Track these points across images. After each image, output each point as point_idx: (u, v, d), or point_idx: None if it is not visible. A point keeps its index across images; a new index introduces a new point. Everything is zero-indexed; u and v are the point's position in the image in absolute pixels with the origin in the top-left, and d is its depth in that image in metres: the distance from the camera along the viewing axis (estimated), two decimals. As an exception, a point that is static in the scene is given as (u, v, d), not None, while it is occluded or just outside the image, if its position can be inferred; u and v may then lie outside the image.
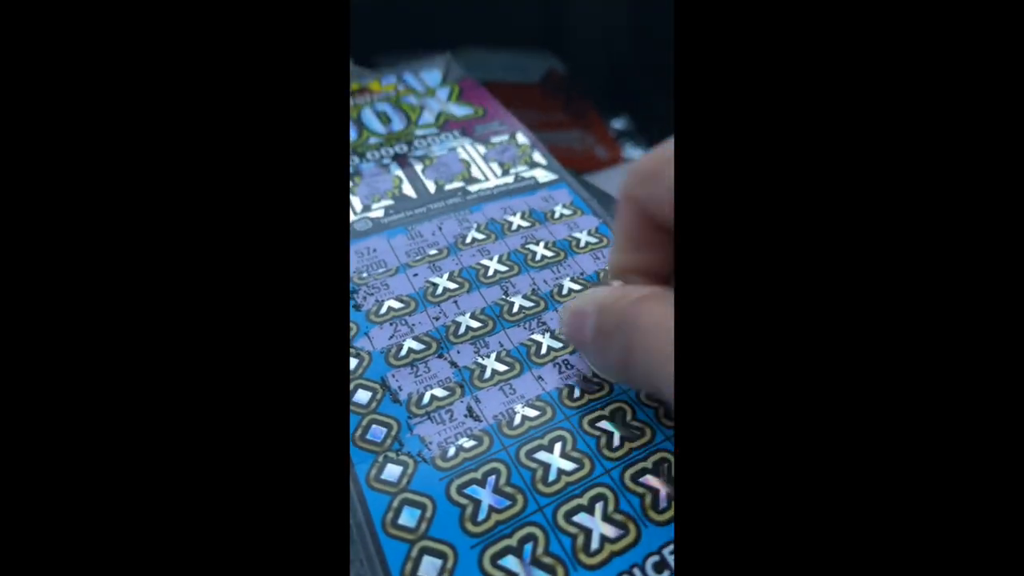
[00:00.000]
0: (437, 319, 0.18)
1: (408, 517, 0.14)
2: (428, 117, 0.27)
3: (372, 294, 0.19)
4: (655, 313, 0.13)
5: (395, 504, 0.14)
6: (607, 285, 0.16)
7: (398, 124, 0.26)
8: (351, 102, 0.27)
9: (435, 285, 0.19)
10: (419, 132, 0.26)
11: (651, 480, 0.15)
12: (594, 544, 0.14)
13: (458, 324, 0.18)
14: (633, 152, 0.38)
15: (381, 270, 0.20)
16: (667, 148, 0.14)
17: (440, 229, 0.21)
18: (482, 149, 0.25)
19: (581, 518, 0.14)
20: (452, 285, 0.19)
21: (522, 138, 0.26)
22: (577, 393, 0.16)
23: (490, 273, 0.20)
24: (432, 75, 0.29)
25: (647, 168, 0.14)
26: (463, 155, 0.25)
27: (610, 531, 0.14)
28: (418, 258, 0.20)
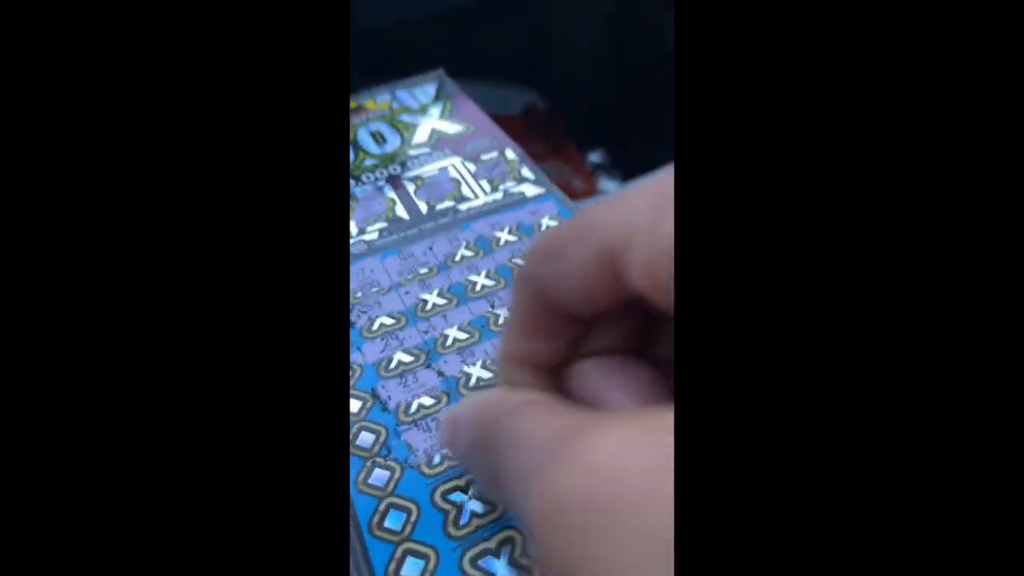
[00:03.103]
0: (426, 333, 0.20)
1: (393, 520, 0.15)
2: (421, 136, 0.28)
3: (365, 312, 0.20)
4: (524, 424, 0.11)
5: (381, 507, 0.15)
6: (490, 389, 0.14)
7: (392, 143, 0.28)
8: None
9: (425, 301, 0.21)
10: (412, 152, 0.27)
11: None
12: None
13: (446, 336, 0.20)
14: (608, 185, 0.39)
15: (374, 289, 0.21)
16: (569, 224, 0.13)
17: (431, 249, 0.22)
18: (472, 167, 0.26)
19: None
20: (441, 301, 0.21)
21: (511, 154, 0.27)
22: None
23: (478, 288, 0.21)
24: (426, 91, 0.31)
25: (545, 247, 0.13)
26: (454, 174, 0.26)
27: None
28: (409, 277, 0.21)
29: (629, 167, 0.39)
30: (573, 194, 0.36)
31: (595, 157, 0.41)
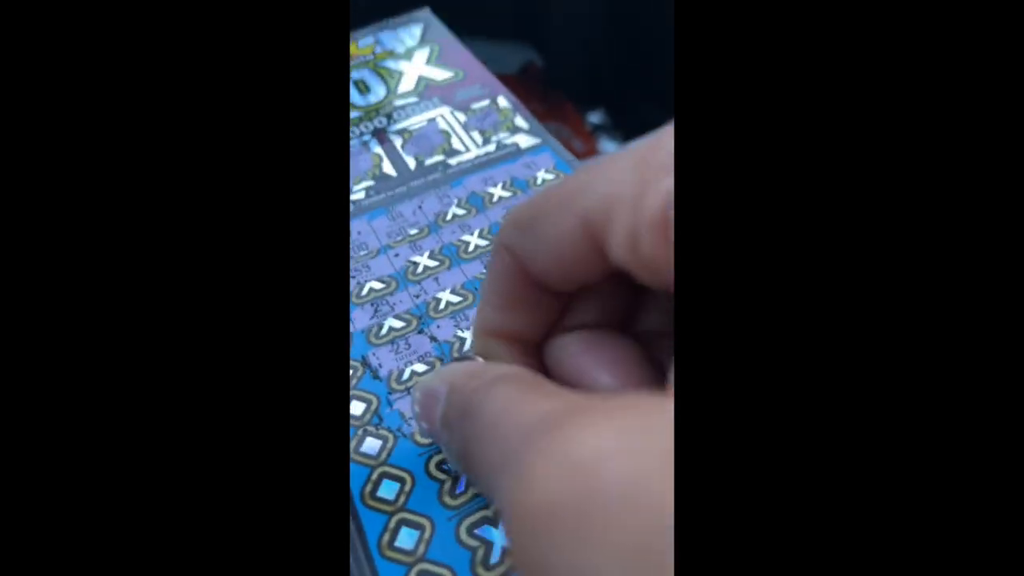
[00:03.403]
0: (418, 297, 0.19)
1: (387, 490, 0.15)
2: (407, 84, 0.26)
3: (353, 276, 0.20)
4: (496, 400, 0.10)
5: (374, 477, 0.15)
6: (466, 360, 0.14)
7: (377, 93, 0.26)
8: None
9: (416, 264, 0.20)
10: (398, 102, 0.25)
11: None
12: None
13: (438, 300, 0.19)
14: (609, 146, 0.37)
15: (363, 252, 0.20)
16: (547, 191, 0.12)
17: (420, 208, 0.21)
18: (462, 117, 0.25)
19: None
20: (433, 263, 0.20)
21: (504, 101, 0.25)
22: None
23: (471, 248, 0.20)
24: (411, 33, 0.29)
25: (522, 216, 0.12)
26: (443, 125, 0.24)
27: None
28: (399, 239, 0.20)
29: (630, 128, 0.38)
30: (573, 155, 0.35)
31: (595, 118, 0.39)
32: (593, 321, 0.13)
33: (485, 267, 0.20)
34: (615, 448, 0.08)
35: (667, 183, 0.09)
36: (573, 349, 0.13)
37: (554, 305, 0.13)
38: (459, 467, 0.14)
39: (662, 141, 0.10)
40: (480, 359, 0.14)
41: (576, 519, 0.08)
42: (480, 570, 0.14)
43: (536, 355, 0.14)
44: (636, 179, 0.10)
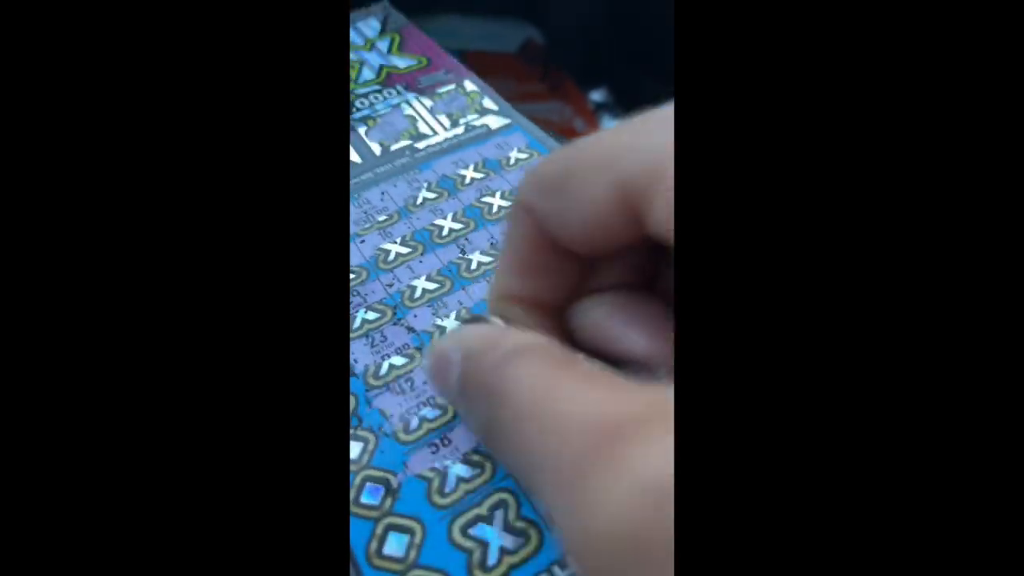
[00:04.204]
0: (391, 286, 0.18)
1: (371, 494, 0.13)
2: (368, 73, 0.25)
3: (320, 268, 0.18)
4: (525, 379, 0.10)
5: (357, 482, 0.14)
6: (481, 322, 0.13)
7: (337, 84, 0.25)
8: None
9: (387, 251, 0.18)
10: (360, 91, 0.24)
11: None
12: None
13: (413, 288, 0.18)
14: (611, 125, 0.36)
15: (328, 242, 0.19)
16: (577, 151, 0.11)
17: (388, 193, 0.20)
18: (428, 102, 0.23)
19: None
20: (405, 250, 0.18)
21: (470, 85, 0.24)
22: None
23: (445, 232, 0.19)
24: (370, 25, 0.28)
25: (548, 176, 0.11)
26: (408, 111, 0.23)
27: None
28: (367, 226, 0.19)
29: (634, 106, 0.36)
30: (574, 136, 0.34)
31: (597, 96, 0.38)
32: (618, 281, 0.12)
33: (461, 251, 0.18)
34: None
35: None
36: (600, 313, 0.12)
37: (577, 268, 0.12)
38: (484, 443, 0.13)
39: None
40: (497, 320, 0.12)
41: (660, 548, 0.07)
42: (478, 573, 0.12)
43: (558, 317, 0.13)
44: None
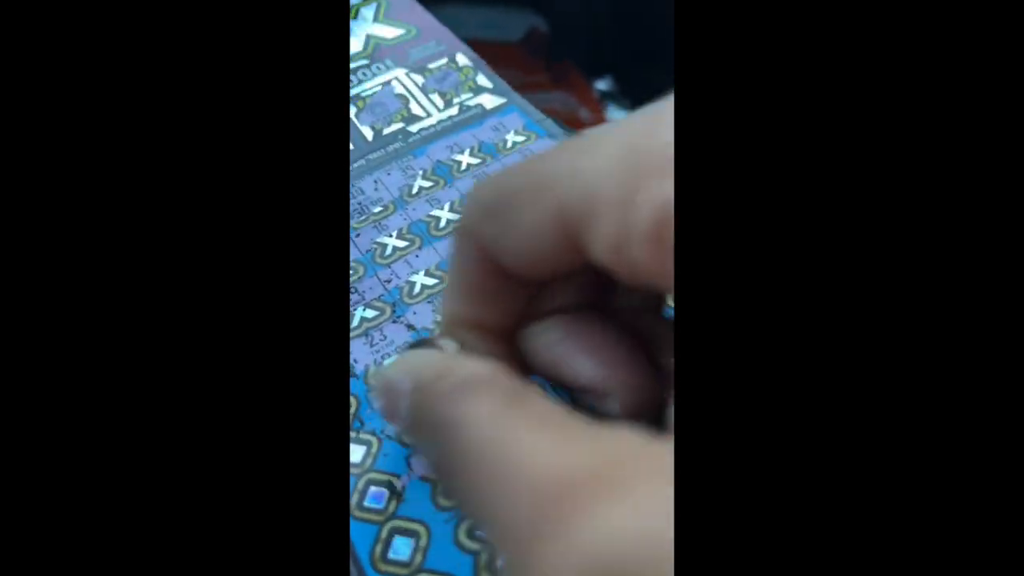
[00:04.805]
0: (389, 282, 0.17)
1: (374, 498, 0.14)
2: (355, 45, 0.24)
3: (315, 264, 0.18)
4: (474, 418, 0.09)
5: (360, 485, 0.14)
6: (429, 347, 0.12)
7: (323, 58, 0.24)
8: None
9: (383, 245, 0.18)
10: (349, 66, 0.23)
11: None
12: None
13: (412, 284, 0.17)
14: (617, 114, 0.35)
15: (322, 235, 0.18)
16: (517, 175, 0.10)
17: (381, 182, 0.20)
18: (419, 79, 0.22)
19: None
20: (402, 243, 0.18)
21: (463, 59, 0.23)
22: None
23: (443, 224, 0.19)
24: (356, -9, 0.26)
25: (490, 199, 0.11)
26: (399, 89, 0.22)
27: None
28: (361, 219, 0.19)
29: (639, 95, 0.35)
30: (580, 125, 0.33)
31: (602, 85, 0.37)
32: (568, 303, 0.12)
33: (459, 243, 0.18)
34: (636, 535, 0.07)
35: (664, 189, 0.08)
36: (551, 338, 0.12)
37: (526, 292, 0.12)
38: (436, 476, 0.13)
39: (657, 126, 0.09)
40: (446, 344, 0.12)
41: None
42: (485, 575, 0.13)
43: (510, 341, 0.12)
44: (625, 175, 0.09)
